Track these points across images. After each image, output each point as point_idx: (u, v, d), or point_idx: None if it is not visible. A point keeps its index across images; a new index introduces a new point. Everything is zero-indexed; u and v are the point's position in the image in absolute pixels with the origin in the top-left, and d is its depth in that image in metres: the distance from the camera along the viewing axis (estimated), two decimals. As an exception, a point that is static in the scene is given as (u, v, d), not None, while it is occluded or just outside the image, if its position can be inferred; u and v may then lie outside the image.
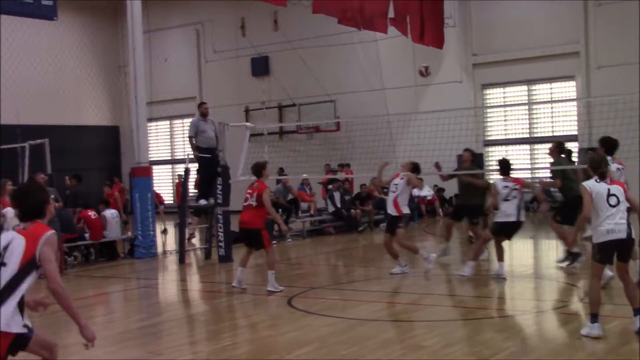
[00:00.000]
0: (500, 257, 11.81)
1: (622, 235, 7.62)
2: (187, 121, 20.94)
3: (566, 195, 12.31)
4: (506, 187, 11.53)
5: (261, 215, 11.38)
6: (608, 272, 9.37)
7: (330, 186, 22.20)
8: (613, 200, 7.64)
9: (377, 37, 26.20)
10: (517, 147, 25.78)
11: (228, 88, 31.20)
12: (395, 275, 12.44)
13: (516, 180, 11.70)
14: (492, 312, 9.84)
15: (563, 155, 13.02)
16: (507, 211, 11.44)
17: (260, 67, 30.77)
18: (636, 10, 23.86)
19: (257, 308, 10.45)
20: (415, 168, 12.84)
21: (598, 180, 7.74)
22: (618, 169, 10.37)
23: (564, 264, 12.42)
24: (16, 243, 5.19)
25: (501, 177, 11.83)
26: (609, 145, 10.48)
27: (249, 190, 11.55)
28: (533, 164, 25.21)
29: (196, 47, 32.68)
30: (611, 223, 7.58)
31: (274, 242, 18.76)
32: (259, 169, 11.77)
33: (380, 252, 15.31)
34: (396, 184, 12.50)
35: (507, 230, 11.69)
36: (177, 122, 33.54)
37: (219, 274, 14.40)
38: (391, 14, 23.88)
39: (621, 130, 19.03)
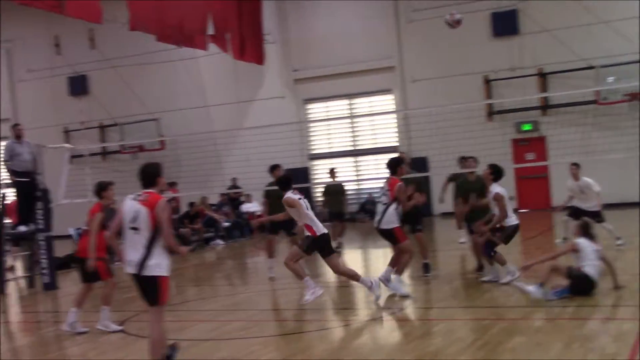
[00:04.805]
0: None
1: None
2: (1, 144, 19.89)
3: None
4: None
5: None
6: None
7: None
8: None
9: (197, 54, 26.07)
10: (342, 159, 26.45)
11: (44, 108, 30.01)
12: (227, 294, 12.35)
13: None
14: (326, 324, 9.95)
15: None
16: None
17: (78, 86, 29.90)
18: (443, 27, 25.19)
19: (87, 335, 10.04)
20: None
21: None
22: None
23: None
24: None
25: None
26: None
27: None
28: (358, 176, 26.00)
29: (7, 66, 31.16)
30: None
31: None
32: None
33: (212, 270, 15.22)
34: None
35: None
36: (-10, 146, 31.78)
37: (44, 303, 13.72)
38: (211, 30, 23.85)
39: (436, 140, 20.14)
